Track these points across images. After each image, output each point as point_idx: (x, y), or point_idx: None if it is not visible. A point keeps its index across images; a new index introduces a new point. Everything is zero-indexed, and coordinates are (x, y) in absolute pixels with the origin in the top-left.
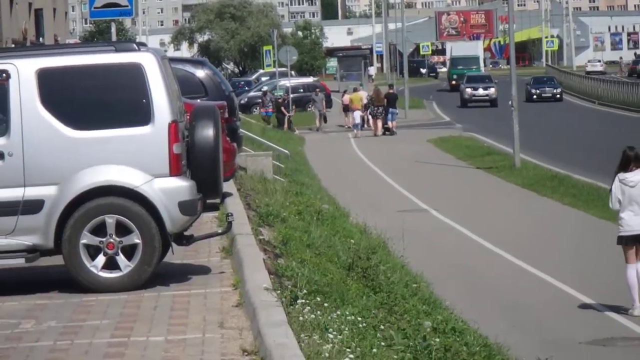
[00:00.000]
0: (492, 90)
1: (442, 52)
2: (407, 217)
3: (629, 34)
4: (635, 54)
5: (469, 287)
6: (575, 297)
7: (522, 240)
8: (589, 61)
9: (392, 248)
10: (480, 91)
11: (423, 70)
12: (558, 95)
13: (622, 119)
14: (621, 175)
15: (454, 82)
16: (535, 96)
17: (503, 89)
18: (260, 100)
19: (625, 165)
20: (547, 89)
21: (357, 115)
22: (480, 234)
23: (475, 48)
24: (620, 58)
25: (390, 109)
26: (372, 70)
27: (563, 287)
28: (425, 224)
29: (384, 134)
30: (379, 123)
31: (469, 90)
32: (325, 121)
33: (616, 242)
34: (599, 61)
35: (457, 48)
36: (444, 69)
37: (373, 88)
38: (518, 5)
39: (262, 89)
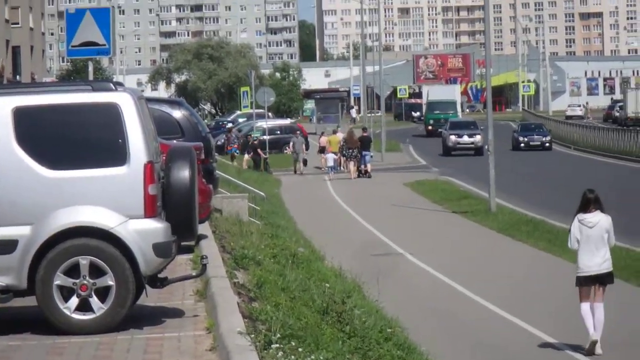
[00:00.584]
0: (477, 137)
1: (419, 95)
2: (382, 261)
3: (605, 79)
4: (611, 99)
5: (444, 331)
6: (550, 341)
7: (497, 285)
8: (568, 106)
9: (367, 292)
10: (465, 138)
11: (415, 114)
12: (547, 144)
13: (597, 164)
14: (580, 216)
15: (430, 127)
16: (522, 144)
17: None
18: (225, 139)
19: (585, 206)
20: (535, 136)
21: (330, 158)
22: (455, 279)
23: (451, 91)
24: (587, 103)
25: (364, 152)
26: (354, 113)
27: (538, 333)
28: (401, 267)
29: (358, 176)
30: (353, 166)
31: (453, 137)
32: (305, 164)
33: (575, 284)
34: (579, 106)
35: (434, 91)
36: None
37: (347, 130)
38: (495, 49)
39: (227, 126)
